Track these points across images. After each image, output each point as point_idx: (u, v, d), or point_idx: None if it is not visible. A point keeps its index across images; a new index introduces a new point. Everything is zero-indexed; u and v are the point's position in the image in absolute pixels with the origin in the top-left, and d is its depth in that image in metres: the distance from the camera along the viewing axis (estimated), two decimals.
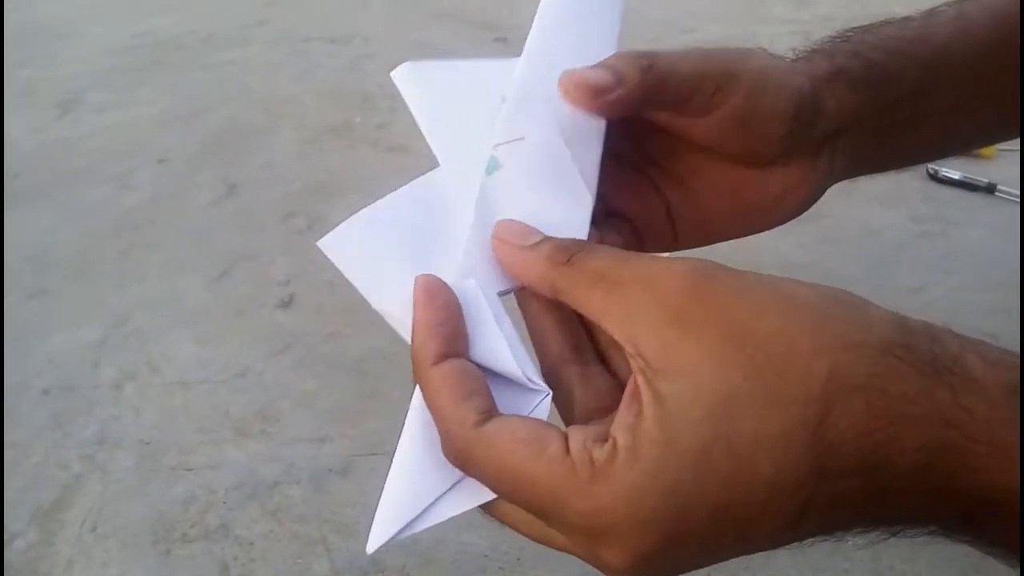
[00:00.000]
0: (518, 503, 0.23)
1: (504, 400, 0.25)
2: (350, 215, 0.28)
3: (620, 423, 0.22)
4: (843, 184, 0.88)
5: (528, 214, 0.28)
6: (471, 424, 0.23)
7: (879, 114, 0.33)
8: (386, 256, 0.28)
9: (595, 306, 0.24)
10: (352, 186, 0.85)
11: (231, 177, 0.90)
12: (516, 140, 0.30)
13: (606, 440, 0.22)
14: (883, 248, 0.74)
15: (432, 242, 0.28)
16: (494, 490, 0.24)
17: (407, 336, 0.27)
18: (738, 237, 0.35)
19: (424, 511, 0.25)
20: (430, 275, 0.27)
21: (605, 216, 0.32)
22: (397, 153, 0.89)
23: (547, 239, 0.27)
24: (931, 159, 0.41)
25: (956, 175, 0.81)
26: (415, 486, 0.25)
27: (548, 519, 0.23)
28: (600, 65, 0.29)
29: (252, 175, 0.90)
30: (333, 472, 0.56)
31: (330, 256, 0.27)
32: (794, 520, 0.21)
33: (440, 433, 0.24)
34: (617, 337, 0.23)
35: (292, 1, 1.32)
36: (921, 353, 0.21)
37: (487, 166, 0.29)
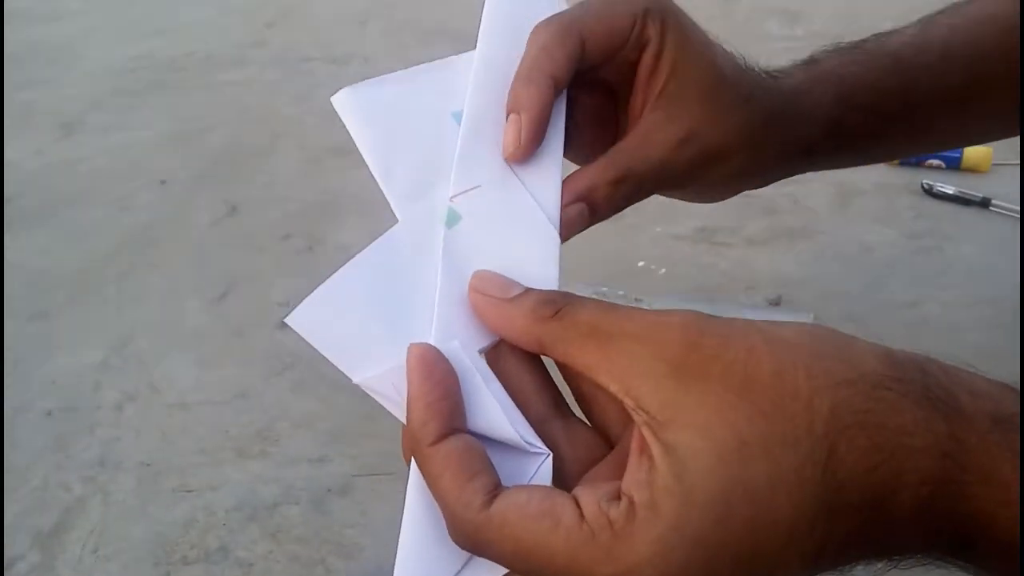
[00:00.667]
0: (532, 568, 0.22)
1: (505, 466, 0.24)
2: (349, 234, 0.28)
3: (633, 480, 0.22)
4: (839, 200, 0.88)
5: (495, 264, 0.28)
6: (478, 507, 0.22)
7: (852, 141, 0.37)
8: (359, 327, 0.27)
9: (588, 360, 0.24)
10: (352, 206, 0.86)
11: (231, 198, 0.91)
12: (472, 188, 0.29)
13: (619, 499, 0.22)
14: (878, 264, 0.75)
15: (402, 305, 0.27)
16: (512, 569, 0.23)
17: (394, 409, 0.26)
18: (683, 191, 0.36)
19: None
20: (425, 344, 0.26)
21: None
22: None
23: (528, 291, 0.26)
24: (915, 148, 0.44)
25: (950, 190, 0.82)
26: (426, 569, 0.24)
27: None
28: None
29: (252, 196, 0.91)
30: (333, 492, 0.57)
31: (301, 333, 0.26)
32: (813, 559, 0.21)
33: (446, 518, 0.24)
34: (614, 390, 0.23)
35: (291, 22, 1.33)
36: (913, 384, 0.22)
37: (447, 219, 0.29)
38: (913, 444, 0.21)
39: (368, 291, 0.27)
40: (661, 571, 0.20)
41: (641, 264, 0.76)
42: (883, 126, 0.38)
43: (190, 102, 1.12)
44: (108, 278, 0.80)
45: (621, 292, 0.72)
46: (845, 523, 0.21)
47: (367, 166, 0.30)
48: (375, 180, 0.30)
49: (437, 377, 0.25)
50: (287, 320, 0.27)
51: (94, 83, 1.19)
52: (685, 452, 0.21)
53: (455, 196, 0.29)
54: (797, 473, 0.21)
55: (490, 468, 0.24)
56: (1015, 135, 0.42)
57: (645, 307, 0.70)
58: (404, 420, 0.26)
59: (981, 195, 0.81)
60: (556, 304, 0.25)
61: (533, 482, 0.25)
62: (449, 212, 0.29)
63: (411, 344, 0.26)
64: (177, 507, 0.57)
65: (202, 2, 1.43)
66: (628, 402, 0.23)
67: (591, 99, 0.34)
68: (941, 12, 0.40)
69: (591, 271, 0.75)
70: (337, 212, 0.86)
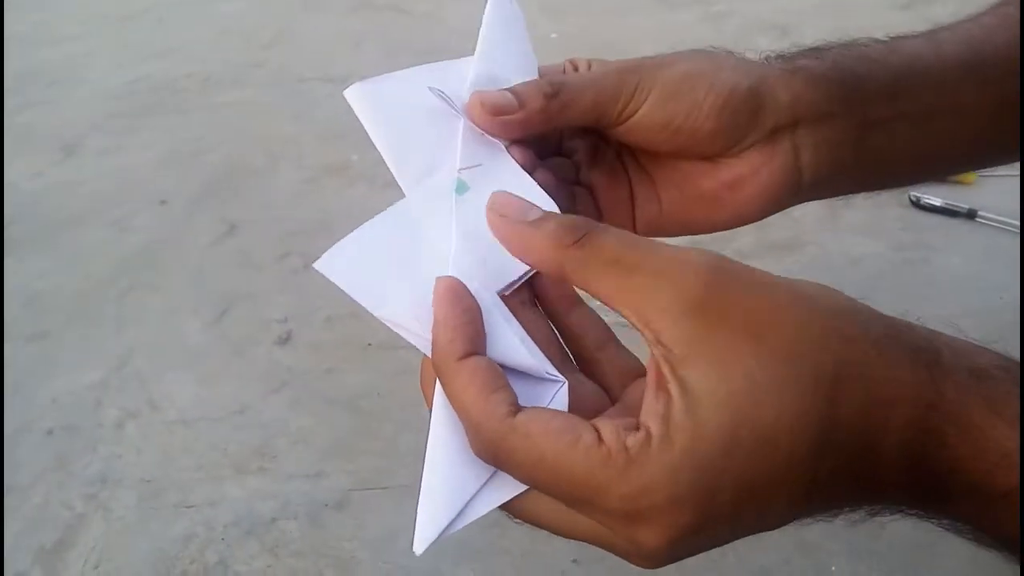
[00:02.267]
0: (554, 493, 0.24)
1: (522, 392, 0.26)
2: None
3: (650, 412, 0.23)
4: (827, 213, 0.90)
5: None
6: (502, 415, 0.24)
7: (848, 110, 0.34)
8: (382, 269, 0.29)
9: (608, 289, 0.25)
10: (349, 224, 0.86)
11: (230, 217, 0.92)
12: (475, 166, 0.32)
13: (637, 429, 0.23)
14: (866, 276, 0.76)
15: (419, 257, 0.30)
16: (529, 481, 0.24)
17: (413, 338, 0.28)
18: (696, 231, 0.36)
19: (463, 510, 0.26)
20: (452, 277, 0.28)
21: (575, 183, 0.35)
22: (394, 189, 0.90)
23: (549, 215, 0.27)
24: (909, 178, 0.42)
25: (937, 201, 0.83)
26: (451, 485, 0.26)
27: (585, 506, 0.23)
28: (506, 90, 0.32)
29: (251, 215, 0.92)
30: (330, 507, 0.58)
31: (328, 275, 0.29)
32: (804, 493, 0.23)
33: (469, 429, 0.25)
34: (634, 321, 0.24)
35: (288, 42, 1.35)
36: (906, 344, 0.24)
37: (456, 187, 0.31)
38: (903, 395, 0.23)
39: (388, 243, 0.30)
40: (669, 494, 0.22)
41: None
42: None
43: (189, 123, 1.13)
44: (108, 298, 0.81)
45: None
46: (836, 458, 0.23)
47: (365, 183, 0.32)
48: (387, 167, 0.32)
49: (464, 304, 0.27)
50: (315, 265, 0.29)
51: (93, 105, 1.20)
52: (700, 388, 0.23)
53: (462, 169, 0.32)
54: (800, 416, 0.22)
55: (510, 388, 0.25)
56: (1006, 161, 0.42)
57: None
58: (425, 350, 0.28)
59: (968, 206, 0.82)
60: (579, 230, 0.25)
61: (550, 407, 0.26)
62: (458, 182, 0.31)
63: (439, 277, 0.28)
64: (177, 523, 0.57)
65: (200, 24, 1.45)
66: (648, 335, 0.24)
67: (599, 165, 0.36)
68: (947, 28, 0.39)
69: None
70: (334, 230, 0.86)
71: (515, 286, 0.30)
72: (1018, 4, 0.39)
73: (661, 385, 0.23)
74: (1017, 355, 0.25)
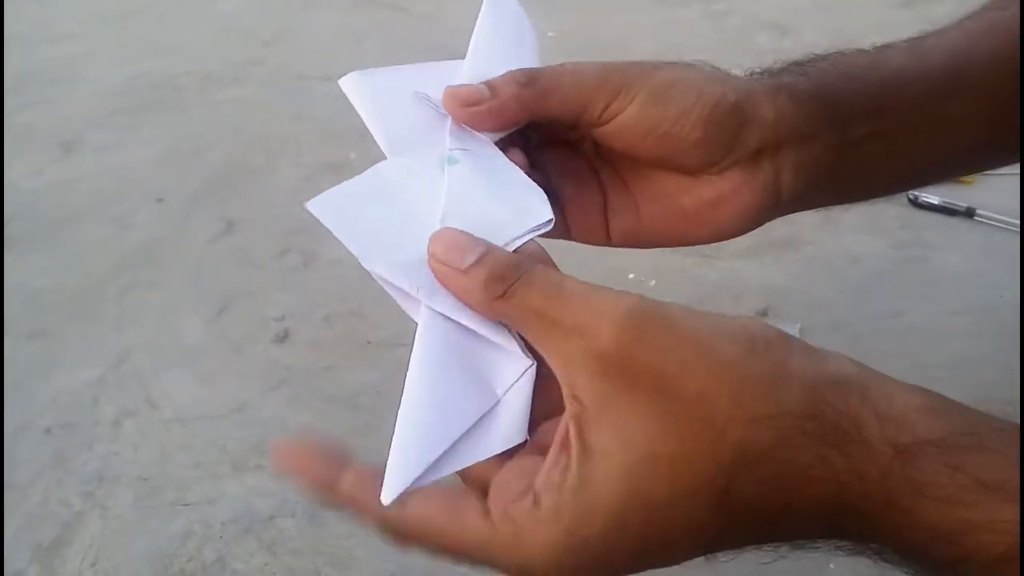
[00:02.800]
0: (461, 561, 0.26)
1: (491, 367, 0.27)
2: (345, 250, 0.30)
3: (546, 479, 0.24)
4: (825, 213, 0.90)
5: (493, 196, 0.31)
6: (395, 512, 0.26)
7: (830, 130, 0.34)
8: (374, 219, 0.29)
9: (535, 339, 0.26)
10: None
11: (229, 215, 0.92)
12: (464, 149, 0.32)
13: (528, 494, 0.24)
14: (865, 274, 0.76)
15: (411, 213, 0.30)
16: (439, 554, 0.26)
17: (397, 294, 0.28)
18: (672, 244, 0.36)
19: (434, 463, 0.26)
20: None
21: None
22: None
23: (482, 259, 0.26)
24: (894, 189, 0.42)
25: (936, 200, 0.83)
26: (424, 438, 0.26)
27: (480, 565, 0.25)
28: (482, 83, 0.32)
29: (250, 213, 0.92)
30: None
31: (319, 217, 0.29)
32: (702, 551, 0.25)
33: (372, 525, 0.27)
34: (556, 373, 0.25)
35: (287, 41, 1.35)
36: (824, 420, 0.23)
37: (448, 159, 0.32)
38: (812, 475, 0.23)
39: (381, 194, 0.30)
40: (556, 565, 0.24)
41: (631, 277, 0.77)
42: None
43: (188, 121, 1.13)
44: (107, 296, 0.81)
45: None
46: (738, 535, 0.24)
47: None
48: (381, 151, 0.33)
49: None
50: (307, 204, 0.29)
51: (93, 103, 1.20)
52: (599, 457, 0.23)
53: (452, 149, 0.32)
54: (694, 494, 0.23)
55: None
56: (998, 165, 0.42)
57: None
58: (408, 309, 0.28)
59: (966, 205, 0.82)
60: (506, 281, 0.26)
61: (515, 388, 0.27)
62: (449, 156, 0.32)
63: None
64: (175, 521, 0.57)
65: (199, 22, 1.45)
66: (566, 389, 0.25)
67: (568, 168, 0.36)
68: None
69: None
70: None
71: None
72: (1004, 7, 0.38)
73: (564, 446, 0.24)
74: (1015, 357, 0.25)
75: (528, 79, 0.32)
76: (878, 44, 0.38)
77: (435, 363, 0.27)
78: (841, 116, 0.34)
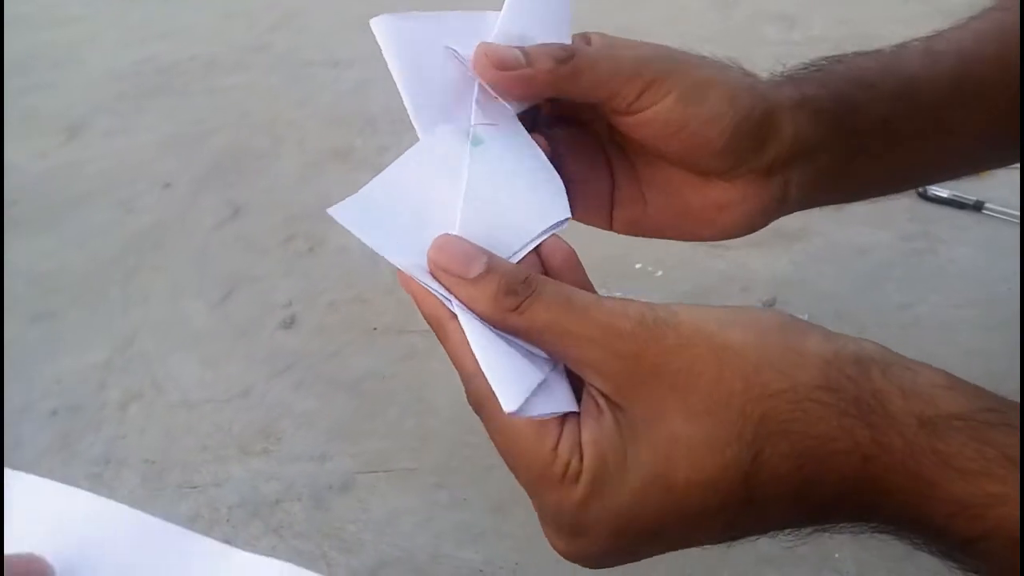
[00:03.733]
0: (508, 462, 0.27)
1: (509, 370, 0.26)
2: (350, 237, 0.30)
3: (592, 448, 0.25)
4: (835, 205, 0.89)
5: (514, 190, 0.30)
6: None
7: (843, 143, 0.34)
8: (396, 219, 0.29)
9: (549, 350, 0.26)
10: None
11: (234, 200, 0.92)
12: (491, 124, 0.32)
13: (580, 456, 0.25)
14: (873, 266, 0.75)
15: (433, 207, 0.30)
16: (498, 444, 0.27)
17: (431, 283, 0.28)
18: (673, 238, 0.36)
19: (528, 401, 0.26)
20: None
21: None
22: None
23: (489, 271, 0.26)
24: (896, 190, 0.42)
25: (944, 193, 0.83)
26: (515, 370, 0.26)
27: (522, 482, 0.27)
28: (517, 47, 0.31)
29: (255, 198, 0.92)
30: (333, 489, 0.58)
31: (344, 223, 0.28)
32: (723, 533, 0.25)
33: (464, 378, 0.27)
34: (581, 370, 0.26)
35: (293, 26, 1.34)
36: (844, 393, 0.23)
37: (472, 139, 0.31)
38: (835, 448, 0.23)
39: (402, 193, 0.30)
40: (580, 523, 0.25)
41: (638, 266, 0.77)
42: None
43: (193, 105, 1.13)
44: (113, 279, 0.81)
45: (618, 293, 0.73)
46: (762, 515, 0.25)
47: (368, 168, 0.32)
48: (389, 155, 0.33)
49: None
50: (329, 211, 0.28)
51: (98, 87, 1.20)
52: (631, 435, 0.25)
53: (478, 124, 0.32)
54: (719, 479, 0.24)
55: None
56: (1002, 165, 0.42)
57: None
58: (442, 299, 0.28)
59: (975, 199, 0.81)
60: (518, 296, 0.26)
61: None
62: (474, 135, 0.31)
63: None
64: (181, 503, 0.58)
65: (204, 6, 1.45)
66: (589, 388, 0.26)
67: (579, 151, 0.35)
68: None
69: (589, 274, 0.76)
70: None
71: (521, 254, 0.29)
72: (1007, 7, 0.38)
73: (600, 415, 0.25)
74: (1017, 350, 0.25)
75: (566, 55, 0.31)
76: (892, 45, 0.38)
77: (489, 338, 0.27)
78: (856, 130, 0.35)
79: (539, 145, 0.32)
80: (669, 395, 0.24)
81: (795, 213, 0.83)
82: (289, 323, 0.73)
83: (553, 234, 0.30)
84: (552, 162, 0.32)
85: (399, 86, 0.31)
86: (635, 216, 0.35)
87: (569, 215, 0.30)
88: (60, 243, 0.87)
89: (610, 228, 0.36)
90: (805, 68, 0.36)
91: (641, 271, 0.77)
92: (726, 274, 0.75)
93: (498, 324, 0.26)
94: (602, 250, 0.78)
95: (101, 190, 0.95)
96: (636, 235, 0.36)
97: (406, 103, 0.31)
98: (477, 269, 0.27)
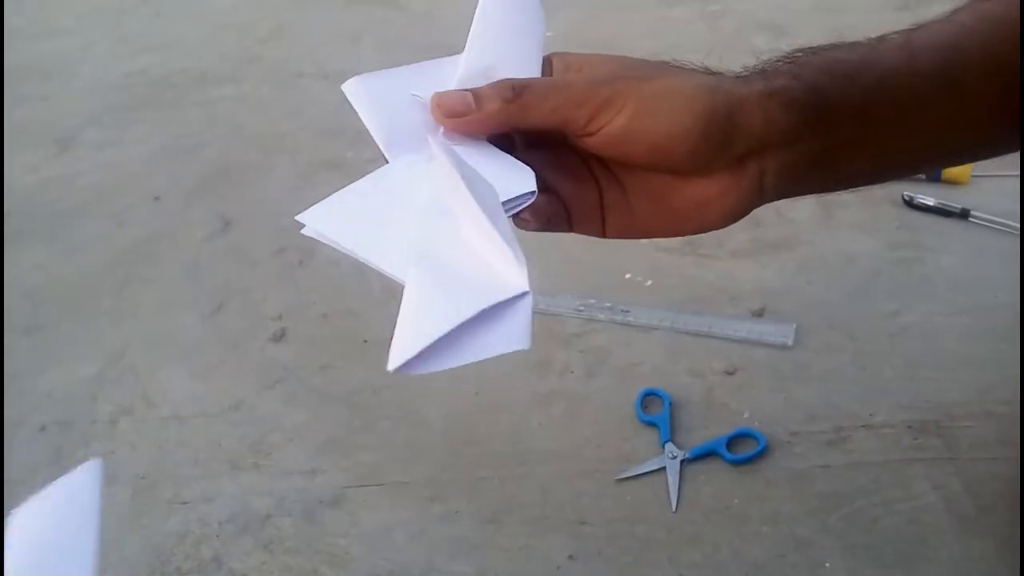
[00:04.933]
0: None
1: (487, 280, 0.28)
2: (340, 253, 0.30)
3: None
4: (821, 212, 0.90)
5: (478, 165, 0.32)
6: None
7: (818, 135, 0.35)
8: (362, 220, 0.31)
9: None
10: None
11: (225, 213, 0.92)
12: (458, 144, 0.34)
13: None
14: (860, 274, 0.76)
15: (399, 209, 0.32)
16: None
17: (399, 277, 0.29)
18: (666, 236, 0.38)
19: (446, 347, 0.27)
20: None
21: (543, 190, 0.35)
22: None
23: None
24: (880, 181, 0.42)
25: (931, 201, 0.83)
26: (433, 312, 0.27)
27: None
28: (465, 90, 0.34)
29: (246, 211, 0.92)
30: (324, 504, 0.58)
31: (309, 225, 0.31)
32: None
33: None
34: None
35: (283, 38, 1.34)
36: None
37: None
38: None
39: (369, 200, 0.32)
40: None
41: (628, 276, 0.78)
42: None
43: (184, 118, 1.13)
44: (103, 292, 0.81)
45: (608, 304, 0.74)
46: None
47: (360, 176, 0.34)
48: (381, 165, 0.34)
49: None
50: (297, 217, 0.31)
51: (89, 99, 1.20)
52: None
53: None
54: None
55: None
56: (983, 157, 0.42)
57: (631, 319, 0.72)
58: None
59: (961, 206, 0.82)
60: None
61: (514, 304, 0.28)
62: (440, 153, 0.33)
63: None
64: (171, 518, 0.57)
65: (195, 18, 1.45)
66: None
67: (565, 166, 0.37)
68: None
69: (578, 284, 0.76)
70: None
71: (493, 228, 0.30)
72: None
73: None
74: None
75: (514, 94, 0.33)
76: (870, 37, 0.39)
77: (436, 265, 0.29)
78: (830, 121, 0.35)
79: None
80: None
81: (782, 222, 0.84)
82: (280, 336, 0.73)
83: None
84: (539, 183, 0.33)
85: (373, 135, 0.34)
86: (625, 222, 0.37)
87: (534, 189, 0.32)
88: (51, 256, 0.87)
89: (604, 236, 0.38)
90: (779, 60, 0.37)
91: (630, 281, 0.77)
92: (715, 284, 0.75)
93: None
94: (591, 261, 0.79)
95: (92, 203, 0.95)
96: (629, 238, 0.38)
97: (381, 149, 0.34)
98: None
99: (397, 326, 0.26)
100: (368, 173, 0.33)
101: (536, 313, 0.73)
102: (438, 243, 0.30)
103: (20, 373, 0.72)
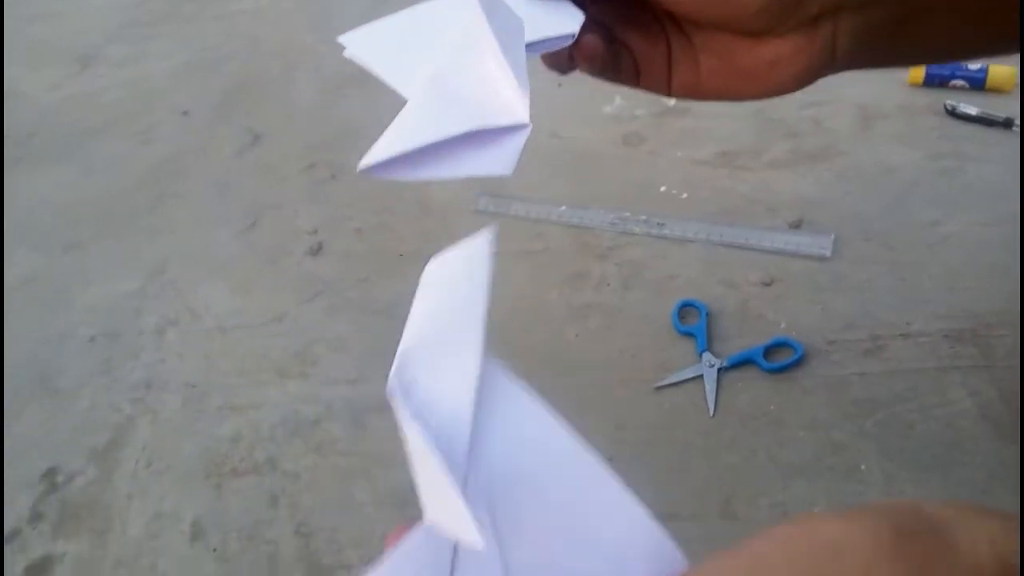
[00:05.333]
0: None
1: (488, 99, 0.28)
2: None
3: None
4: (860, 122, 0.88)
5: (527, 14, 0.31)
6: None
7: None
8: (405, 48, 0.31)
9: None
10: (373, 134, 0.86)
11: (253, 128, 0.91)
12: None
13: None
14: (900, 184, 0.75)
15: (429, 44, 0.31)
16: None
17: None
18: (731, 98, 0.37)
19: (426, 157, 0.27)
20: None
21: (612, 43, 0.36)
22: None
23: None
24: (948, 59, 0.42)
25: (973, 111, 0.81)
26: (430, 120, 0.27)
27: None
28: None
29: (274, 126, 0.91)
30: (370, 410, 0.59)
31: (351, 47, 0.31)
32: None
33: None
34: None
35: None
36: None
37: None
38: None
39: (404, 30, 0.32)
40: None
41: (663, 189, 0.77)
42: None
43: (204, 32, 1.11)
44: (137, 209, 0.81)
45: (643, 217, 0.73)
46: None
47: (385, 92, 0.33)
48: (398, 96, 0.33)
49: None
50: (340, 38, 0.31)
51: (106, 15, 1.18)
52: None
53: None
54: None
55: None
56: None
57: (667, 232, 0.71)
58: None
59: (1004, 116, 0.80)
60: None
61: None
62: None
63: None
64: (224, 424, 0.59)
65: None
66: None
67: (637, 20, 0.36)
68: None
69: (613, 197, 0.75)
70: (358, 140, 0.86)
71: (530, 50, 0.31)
72: None
73: None
74: None
75: None
76: None
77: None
78: None
79: (590, 40, 0.34)
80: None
81: (821, 132, 0.81)
82: (316, 250, 0.74)
83: None
84: (609, 35, 0.34)
85: (385, 80, 0.32)
86: (691, 81, 0.37)
87: (575, 32, 0.32)
88: (79, 174, 0.87)
89: (669, 94, 0.38)
90: None
91: (665, 194, 0.77)
92: (750, 196, 0.75)
93: None
94: (625, 174, 0.78)
95: (119, 120, 0.95)
96: (693, 99, 0.38)
97: (396, 88, 0.31)
98: None
99: (385, 131, 0.26)
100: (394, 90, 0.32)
101: (570, 226, 0.73)
102: (452, 70, 0.30)
103: (63, 288, 0.73)
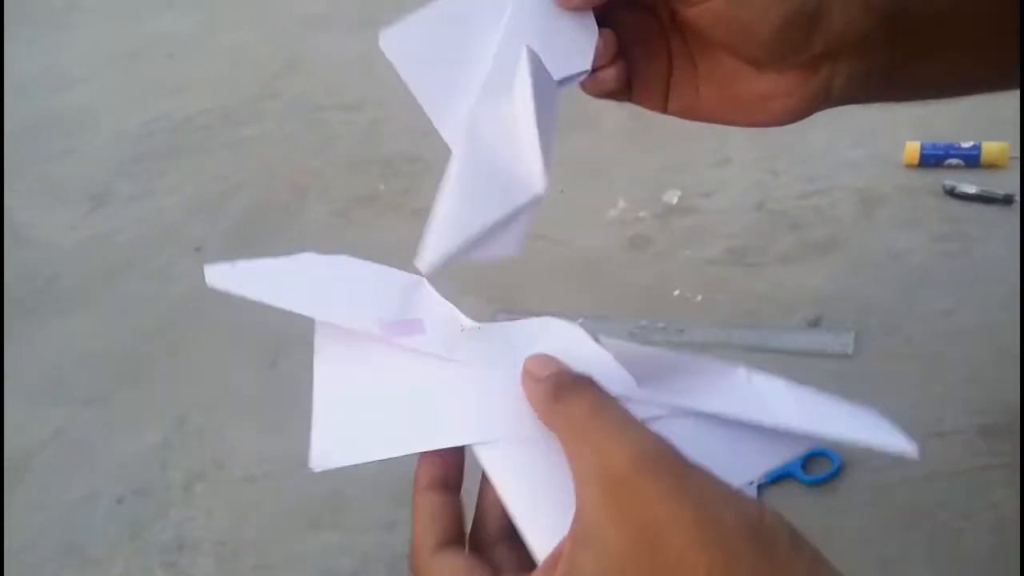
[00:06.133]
0: None
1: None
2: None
3: None
4: (861, 209, 0.89)
5: (545, 30, 0.33)
6: (430, 547, 0.29)
7: (893, 41, 0.35)
8: (438, 61, 0.32)
9: (567, 446, 0.27)
10: (381, 254, 0.87)
11: (267, 257, 0.92)
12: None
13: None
14: (909, 272, 0.76)
15: (473, 50, 0.32)
16: None
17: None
18: (723, 122, 0.39)
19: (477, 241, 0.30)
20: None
21: (612, 50, 0.36)
22: (423, 216, 0.91)
23: (553, 374, 0.29)
24: (938, 97, 0.43)
25: (972, 189, 0.83)
26: (468, 209, 0.30)
27: None
28: None
29: (286, 253, 0.93)
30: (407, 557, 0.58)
31: (389, 49, 0.32)
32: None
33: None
34: (574, 480, 0.26)
35: (298, 71, 1.35)
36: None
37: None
38: None
39: (442, 34, 0.33)
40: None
41: (677, 293, 0.78)
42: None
43: (212, 162, 1.14)
44: (159, 354, 0.82)
45: (661, 324, 0.74)
46: None
47: (393, 212, 0.34)
48: (412, 197, 0.35)
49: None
50: (380, 39, 0.32)
51: (115, 150, 1.21)
52: None
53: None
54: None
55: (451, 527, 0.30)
56: None
57: (687, 338, 0.72)
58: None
59: (1004, 192, 0.81)
60: (563, 390, 0.28)
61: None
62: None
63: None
64: None
65: (208, 58, 1.45)
66: (576, 501, 0.25)
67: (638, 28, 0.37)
68: None
69: (628, 303, 0.76)
70: (368, 260, 0.87)
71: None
72: None
73: (556, 559, 0.25)
74: None
75: None
76: None
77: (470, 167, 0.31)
78: (907, 28, 0.35)
79: (605, 37, 0.35)
80: (635, 543, 0.23)
81: (823, 221, 0.82)
82: None
83: None
84: (617, 47, 0.36)
85: (416, 96, 0.34)
86: (688, 101, 0.38)
87: (588, 68, 0.34)
88: (101, 321, 0.88)
89: (664, 111, 0.39)
90: None
91: (680, 298, 0.77)
92: (766, 295, 0.75)
93: (541, 414, 0.29)
94: (638, 279, 0.79)
95: (132, 261, 0.96)
96: (687, 118, 0.39)
97: (425, 108, 0.33)
98: (546, 372, 0.29)
99: (433, 218, 0.30)
100: (408, 205, 0.33)
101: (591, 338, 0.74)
102: (487, 122, 0.31)
103: (88, 444, 0.73)
